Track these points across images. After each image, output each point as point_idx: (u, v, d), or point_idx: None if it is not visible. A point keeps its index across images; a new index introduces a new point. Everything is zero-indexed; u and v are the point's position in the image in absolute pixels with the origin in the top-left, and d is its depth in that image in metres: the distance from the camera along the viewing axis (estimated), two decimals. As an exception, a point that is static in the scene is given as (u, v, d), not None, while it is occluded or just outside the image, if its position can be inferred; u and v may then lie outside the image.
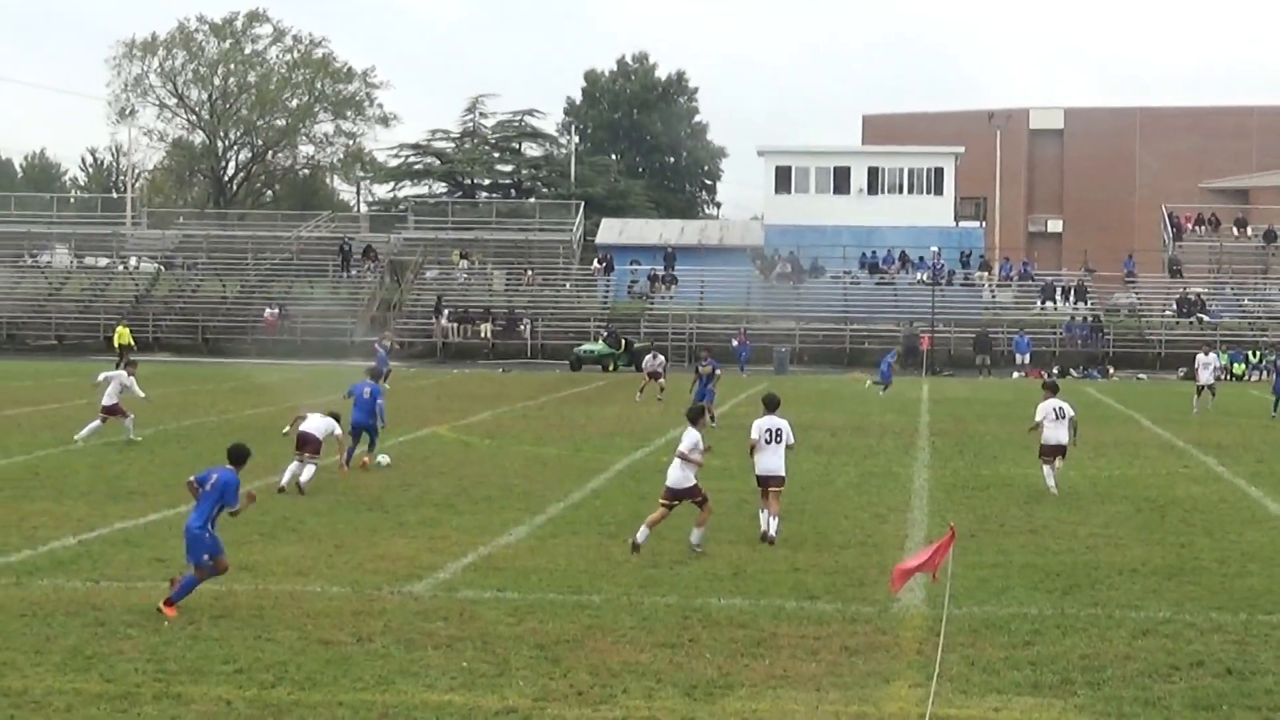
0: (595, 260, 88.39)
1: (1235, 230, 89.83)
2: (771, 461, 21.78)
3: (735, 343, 69.85)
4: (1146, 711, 13.24)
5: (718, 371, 43.92)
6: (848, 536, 22.19)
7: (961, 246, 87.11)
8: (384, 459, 29.82)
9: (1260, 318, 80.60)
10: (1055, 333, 78.02)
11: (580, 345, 73.83)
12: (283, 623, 16.01)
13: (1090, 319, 79.56)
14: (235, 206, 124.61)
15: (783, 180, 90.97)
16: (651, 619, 16.46)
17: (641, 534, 20.42)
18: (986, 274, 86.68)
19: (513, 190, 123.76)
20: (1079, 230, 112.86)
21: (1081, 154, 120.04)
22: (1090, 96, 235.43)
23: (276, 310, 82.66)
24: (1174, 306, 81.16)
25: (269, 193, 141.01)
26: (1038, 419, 26.45)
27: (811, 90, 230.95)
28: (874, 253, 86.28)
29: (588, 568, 19.42)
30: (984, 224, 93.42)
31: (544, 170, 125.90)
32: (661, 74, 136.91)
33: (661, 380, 49.15)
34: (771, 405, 22.24)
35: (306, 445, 26.15)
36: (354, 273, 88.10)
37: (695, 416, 21.58)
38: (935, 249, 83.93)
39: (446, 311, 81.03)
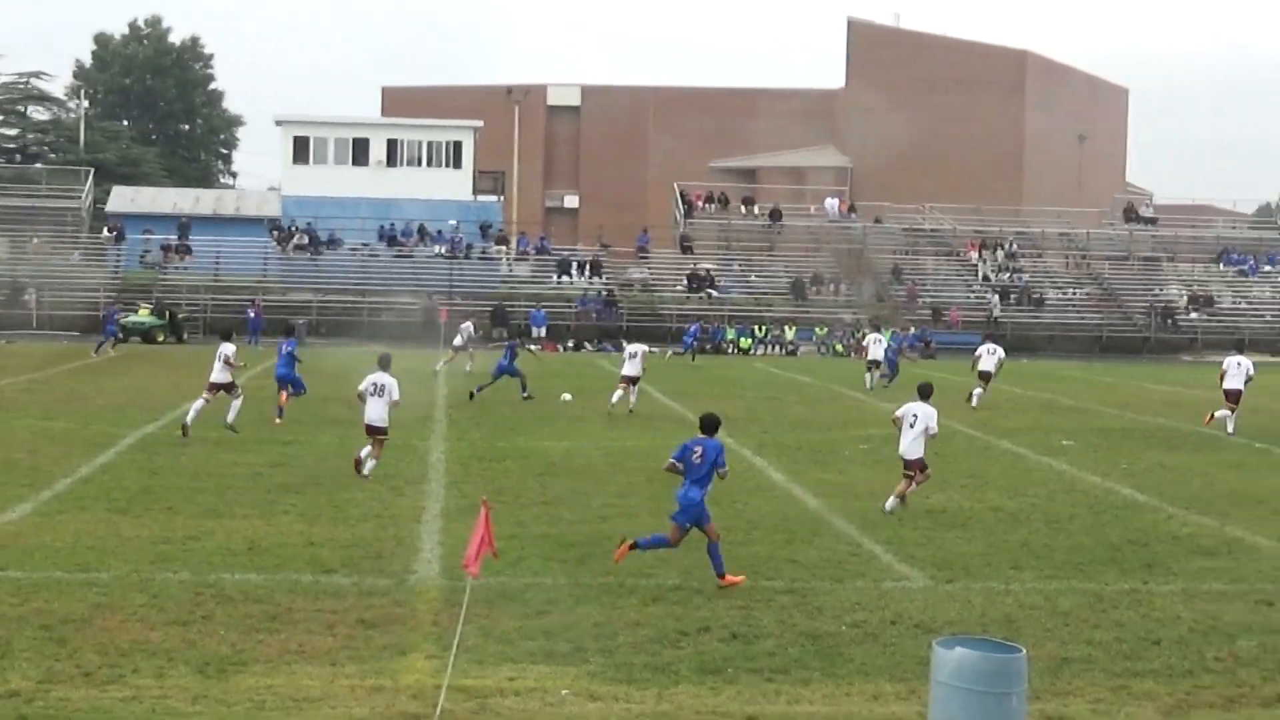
0: (106, 229, 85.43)
1: (743, 208, 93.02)
2: (376, 412, 25.04)
3: (251, 314, 68.79)
4: (656, 676, 13.62)
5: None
6: (364, 509, 22.10)
7: (480, 220, 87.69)
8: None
9: (766, 293, 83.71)
10: (571, 306, 79.28)
11: (126, 315, 70.86)
12: None
13: (605, 293, 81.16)
14: None
15: (301, 151, 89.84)
16: (163, 596, 16.06)
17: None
18: (504, 248, 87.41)
19: (18, 155, 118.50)
20: (595, 206, 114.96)
21: (597, 131, 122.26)
22: (607, 75, 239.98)
23: None
24: (685, 282, 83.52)
25: None
26: (896, 414, 24.30)
27: (331, 60, 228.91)
28: (393, 225, 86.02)
29: (96, 544, 18.81)
30: (502, 198, 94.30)
31: (51, 135, 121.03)
32: (175, 39, 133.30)
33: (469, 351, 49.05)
34: (384, 364, 25.61)
35: None
36: None
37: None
38: (454, 222, 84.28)
39: (-57, 280, 77.12)
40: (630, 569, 17.92)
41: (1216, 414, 37.13)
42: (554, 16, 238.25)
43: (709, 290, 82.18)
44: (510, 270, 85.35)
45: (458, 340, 49.86)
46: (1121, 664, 14.43)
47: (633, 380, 38.60)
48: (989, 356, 43.05)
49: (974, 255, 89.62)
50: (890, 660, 14.37)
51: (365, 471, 25.14)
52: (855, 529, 21.38)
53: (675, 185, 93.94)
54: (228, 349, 31.53)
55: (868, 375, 49.19)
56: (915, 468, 23.14)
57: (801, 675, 13.83)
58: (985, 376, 42.82)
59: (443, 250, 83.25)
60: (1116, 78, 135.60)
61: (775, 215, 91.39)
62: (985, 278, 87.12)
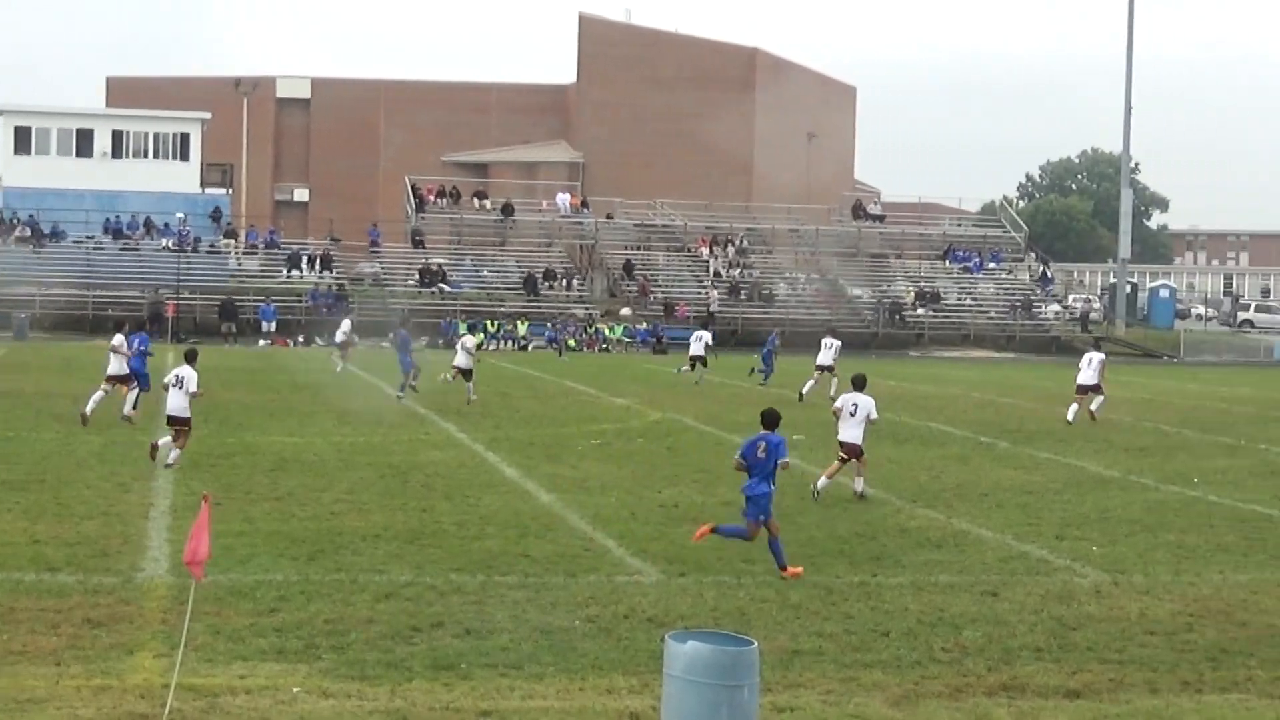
0: None
1: (475, 203, 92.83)
2: (175, 402, 25.60)
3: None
4: (389, 672, 13.46)
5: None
6: (90, 506, 21.48)
7: (208, 213, 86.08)
8: None
9: (498, 288, 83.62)
10: (301, 301, 78.24)
11: None
12: None
13: (335, 288, 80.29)
14: None
15: (23, 141, 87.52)
16: (-127, 600, 15.41)
17: None
18: (233, 242, 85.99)
19: None
20: (325, 200, 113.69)
21: (328, 124, 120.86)
22: (338, 67, 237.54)
23: None
24: (416, 276, 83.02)
25: None
26: (836, 405, 25.12)
27: (53, 49, 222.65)
28: (118, 218, 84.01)
29: None
30: (231, 191, 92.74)
31: None
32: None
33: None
34: (189, 357, 26.49)
35: None
36: None
37: None
38: (181, 215, 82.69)
39: None
40: (362, 565, 17.73)
41: (1070, 414, 38.66)
42: (283, 7, 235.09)
43: (441, 285, 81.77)
44: (239, 264, 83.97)
45: (339, 337, 49.35)
46: (851, 655, 14.64)
47: (465, 372, 39.58)
48: (803, 354, 43.69)
49: (705, 251, 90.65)
50: (624, 654, 14.38)
51: (170, 460, 25.34)
52: (588, 524, 21.40)
53: (407, 179, 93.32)
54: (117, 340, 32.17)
55: (685, 368, 50.16)
56: (854, 453, 24.30)
57: (535, 670, 13.78)
58: (824, 369, 44.47)
59: (170, 244, 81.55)
60: (845, 77, 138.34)
61: (507, 210, 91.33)
62: (716, 273, 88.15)
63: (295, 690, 12.90)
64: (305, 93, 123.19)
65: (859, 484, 24.73)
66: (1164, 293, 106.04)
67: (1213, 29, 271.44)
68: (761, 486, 18.22)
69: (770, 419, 18.82)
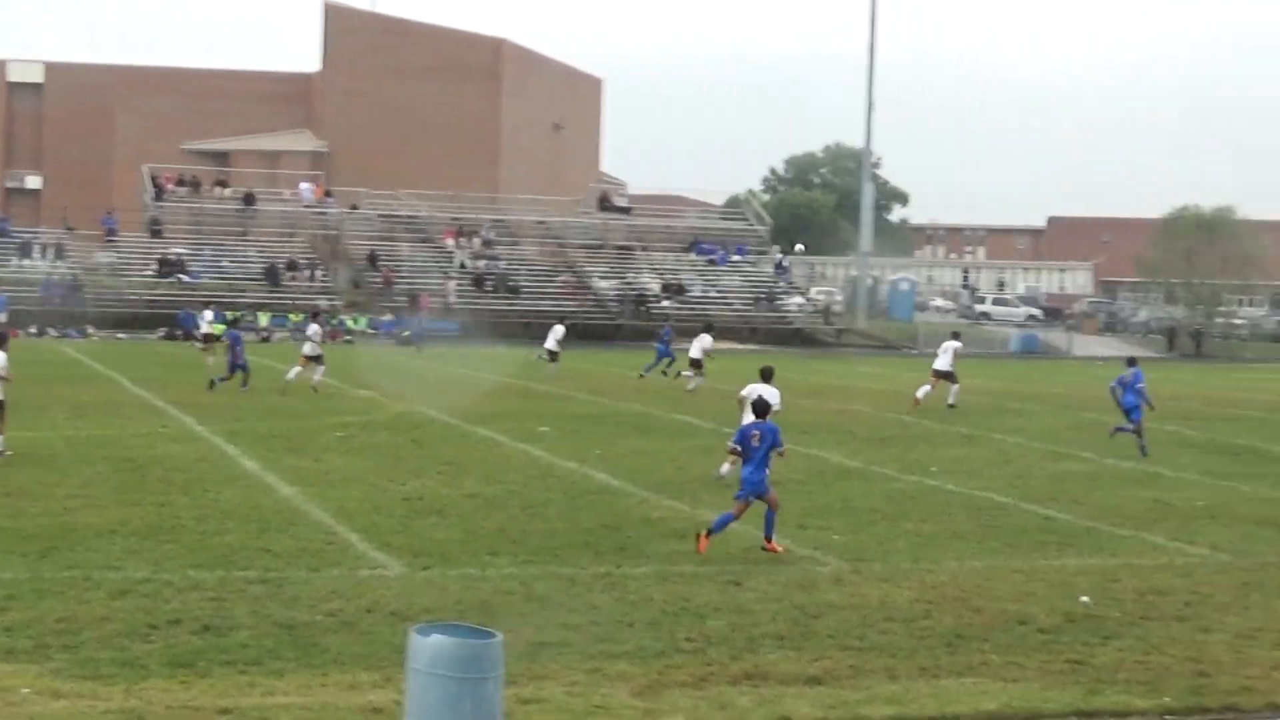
0: None
1: (216, 192, 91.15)
2: None
3: None
4: (124, 671, 13.11)
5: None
6: None
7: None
8: None
9: (239, 279, 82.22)
10: (33, 291, 76.06)
11: None
12: None
13: (69, 277, 78.24)
14: None
15: None
16: None
17: None
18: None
19: None
20: (59, 187, 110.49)
21: (62, 110, 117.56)
22: (73, 52, 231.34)
23: None
24: (155, 266, 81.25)
25: None
26: (741, 394, 25.45)
27: None
28: None
29: None
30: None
31: None
32: None
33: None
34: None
35: None
36: None
37: None
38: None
39: None
40: (97, 562, 17.27)
41: (920, 393, 41.03)
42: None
43: (179, 275, 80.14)
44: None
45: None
46: (596, 646, 14.63)
47: (313, 359, 41.10)
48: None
49: (450, 242, 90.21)
50: (367, 649, 14.19)
51: None
52: (331, 517, 21.10)
53: (144, 167, 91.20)
54: None
55: (539, 357, 51.34)
56: None
57: (276, 666, 13.53)
58: (692, 358, 45.95)
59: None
60: (592, 69, 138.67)
61: (249, 199, 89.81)
62: (462, 265, 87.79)
63: (24, 691, 12.49)
64: (38, 77, 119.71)
65: (726, 468, 25.43)
66: (904, 286, 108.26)
67: (954, 28, 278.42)
68: (756, 473, 19.22)
69: (761, 408, 19.91)
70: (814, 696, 13.28)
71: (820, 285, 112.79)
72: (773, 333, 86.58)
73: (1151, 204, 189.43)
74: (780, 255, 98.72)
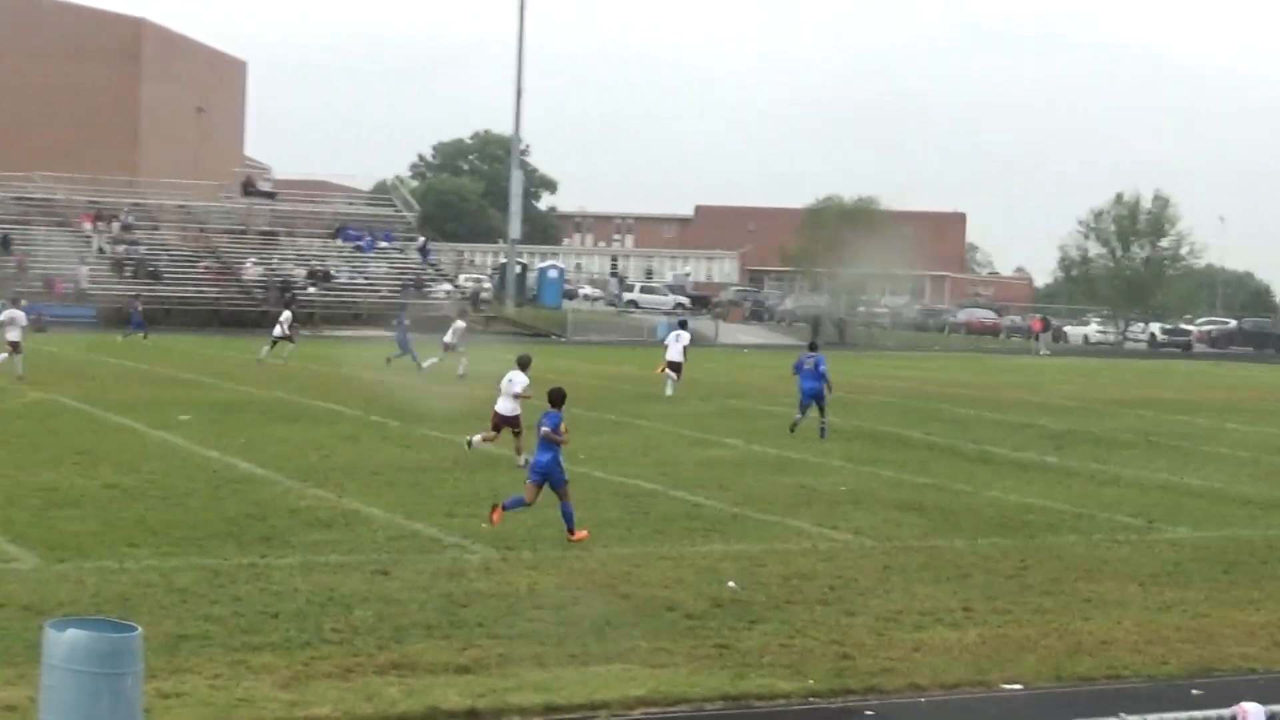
0: None
1: None
2: None
3: None
4: None
5: None
6: None
7: None
8: None
9: None
10: None
11: None
12: None
13: None
14: None
15: None
16: None
17: None
18: None
19: None
20: None
21: None
22: None
23: None
24: None
25: None
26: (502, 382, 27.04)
27: None
28: None
29: None
30: None
31: None
32: None
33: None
34: None
35: None
36: None
37: None
38: None
39: None
40: None
41: (669, 389, 43.54)
42: None
43: None
44: None
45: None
46: (240, 639, 14.31)
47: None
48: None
49: (89, 226, 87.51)
50: (-1, 646, 13.66)
51: None
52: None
53: None
54: None
55: (265, 349, 51.06)
56: (510, 423, 26.89)
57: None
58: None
59: None
60: (236, 51, 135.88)
61: None
62: (100, 250, 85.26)
63: None
64: None
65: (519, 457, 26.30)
66: (553, 273, 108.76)
67: (604, 17, 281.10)
68: (543, 456, 20.19)
69: (555, 397, 20.98)
70: (463, 685, 13.20)
71: (469, 272, 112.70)
72: (421, 320, 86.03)
73: (797, 194, 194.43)
74: (423, 239, 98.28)
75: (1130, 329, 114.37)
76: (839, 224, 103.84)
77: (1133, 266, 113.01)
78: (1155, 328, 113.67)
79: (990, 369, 69.78)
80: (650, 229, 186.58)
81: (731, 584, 17.53)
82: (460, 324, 49.42)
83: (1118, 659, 15.09)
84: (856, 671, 14.23)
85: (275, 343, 51.14)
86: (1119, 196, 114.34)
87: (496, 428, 27.15)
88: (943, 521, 23.01)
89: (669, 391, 43.19)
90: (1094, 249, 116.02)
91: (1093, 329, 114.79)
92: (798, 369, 34.86)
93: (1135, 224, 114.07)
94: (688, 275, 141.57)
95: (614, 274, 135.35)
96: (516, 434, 26.99)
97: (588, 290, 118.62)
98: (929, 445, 34.01)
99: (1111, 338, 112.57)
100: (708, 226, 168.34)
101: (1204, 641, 15.96)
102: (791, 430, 33.81)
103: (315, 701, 12.56)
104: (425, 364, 48.45)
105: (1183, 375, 72.23)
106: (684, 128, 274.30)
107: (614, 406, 39.67)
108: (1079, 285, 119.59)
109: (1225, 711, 8.19)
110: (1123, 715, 7.63)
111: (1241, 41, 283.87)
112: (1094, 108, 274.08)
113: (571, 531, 19.89)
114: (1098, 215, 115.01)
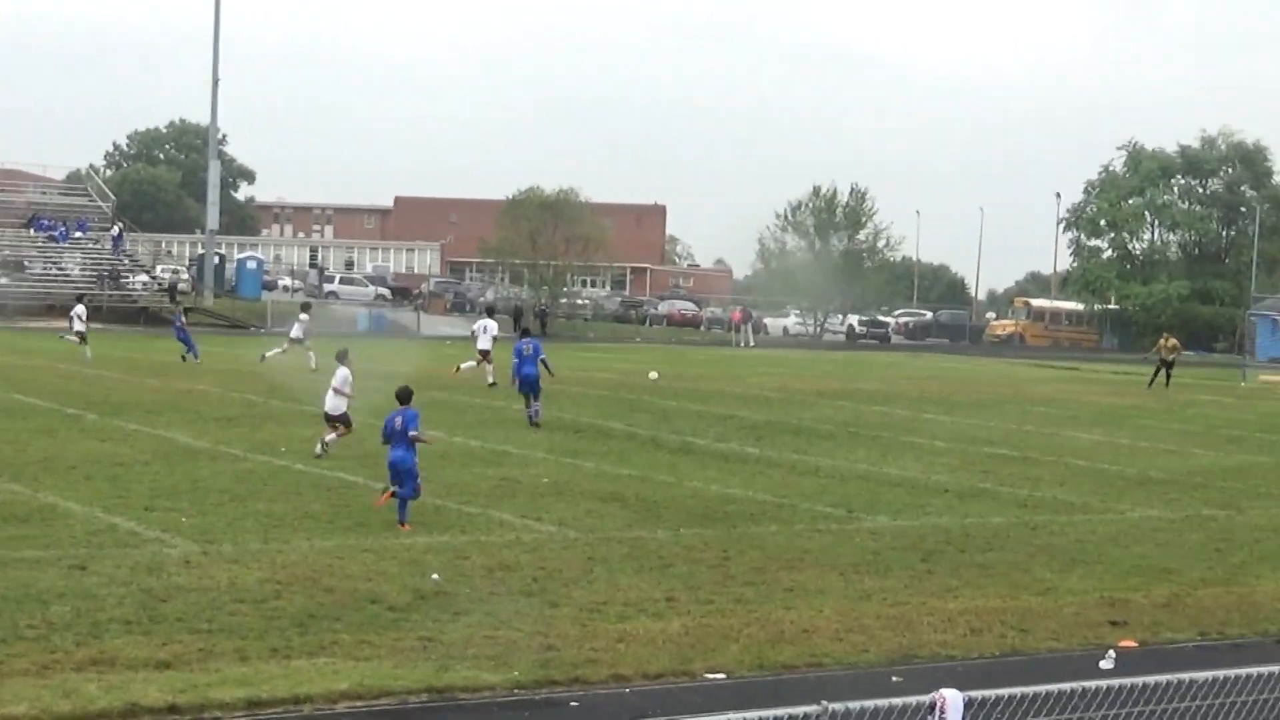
0: None
1: None
2: None
3: None
4: None
5: None
6: None
7: None
8: None
9: None
10: None
11: None
12: None
13: None
14: None
15: None
16: None
17: None
18: None
19: None
20: None
21: None
22: None
23: None
24: None
25: None
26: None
27: None
28: None
29: None
30: None
31: None
32: None
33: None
34: None
35: None
36: None
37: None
38: None
39: None
40: None
41: (463, 366, 46.58)
42: None
43: None
44: None
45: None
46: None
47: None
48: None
49: None
50: None
51: None
52: None
53: None
54: None
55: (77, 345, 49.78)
56: (340, 421, 27.90)
57: None
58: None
59: None
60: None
61: None
62: None
63: None
64: None
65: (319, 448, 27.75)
66: (252, 264, 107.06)
67: (302, 7, 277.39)
68: (398, 454, 21.14)
69: (403, 395, 21.83)
70: (163, 681, 13.04)
71: (166, 263, 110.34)
72: (117, 311, 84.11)
73: (499, 187, 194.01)
74: (119, 229, 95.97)
75: (829, 321, 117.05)
76: (540, 215, 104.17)
77: (831, 259, 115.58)
78: (854, 319, 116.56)
79: (690, 360, 70.69)
80: (350, 220, 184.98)
81: (435, 576, 17.59)
82: (305, 317, 49.40)
83: (819, 647, 15.47)
84: (561, 663, 14.37)
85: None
86: (816, 190, 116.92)
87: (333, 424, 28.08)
88: (645, 512, 23.35)
89: (490, 380, 44.79)
90: (792, 241, 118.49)
91: (791, 321, 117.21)
92: (517, 354, 35.44)
93: (833, 217, 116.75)
94: (387, 267, 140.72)
95: (314, 265, 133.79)
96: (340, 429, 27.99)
97: (287, 282, 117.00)
98: (631, 436, 34.43)
99: (810, 329, 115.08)
100: (408, 218, 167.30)
101: (903, 629, 16.42)
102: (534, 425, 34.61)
103: (11, 700, 12.30)
104: (269, 353, 48.73)
105: (881, 366, 74.05)
106: (383, 116, 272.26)
107: (317, 399, 39.23)
108: (778, 277, 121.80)
109: (924, 698, 8.52)
110: (824, 703, 7.89)
111: (942, 43, 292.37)
112: (795, 105, 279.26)
113: (403, 524, 20.79)
114: (796, 208, 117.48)
